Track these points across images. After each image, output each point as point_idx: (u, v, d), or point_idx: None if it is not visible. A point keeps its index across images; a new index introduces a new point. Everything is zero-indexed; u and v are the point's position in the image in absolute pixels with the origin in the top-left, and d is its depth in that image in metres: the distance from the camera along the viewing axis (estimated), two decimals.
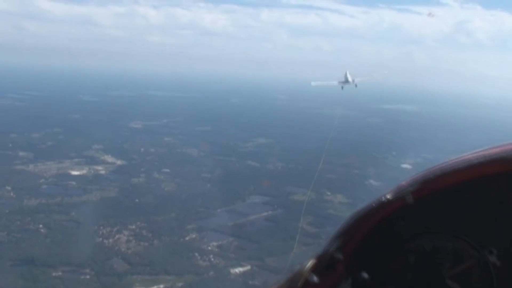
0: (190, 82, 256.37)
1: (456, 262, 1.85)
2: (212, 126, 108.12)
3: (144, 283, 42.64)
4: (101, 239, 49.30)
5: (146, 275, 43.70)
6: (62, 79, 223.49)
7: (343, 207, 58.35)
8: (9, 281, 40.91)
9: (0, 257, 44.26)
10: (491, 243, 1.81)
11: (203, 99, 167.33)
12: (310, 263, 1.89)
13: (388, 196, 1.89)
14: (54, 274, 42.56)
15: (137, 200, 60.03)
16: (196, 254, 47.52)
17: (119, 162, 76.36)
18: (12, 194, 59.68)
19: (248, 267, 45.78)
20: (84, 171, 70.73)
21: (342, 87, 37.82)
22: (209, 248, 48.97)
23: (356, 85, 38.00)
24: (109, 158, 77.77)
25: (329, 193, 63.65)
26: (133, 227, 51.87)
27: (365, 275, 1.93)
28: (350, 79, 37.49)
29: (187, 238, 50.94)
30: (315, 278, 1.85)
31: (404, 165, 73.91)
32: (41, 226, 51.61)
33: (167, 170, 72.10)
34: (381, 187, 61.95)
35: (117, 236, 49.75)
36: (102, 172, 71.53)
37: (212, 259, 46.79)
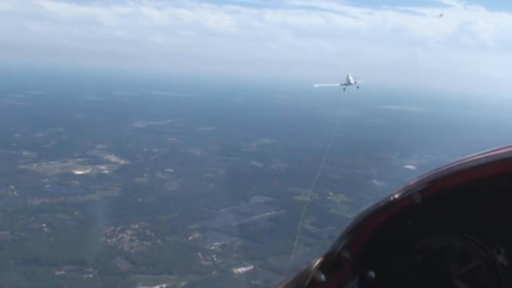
0: (194, 82, 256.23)
1: (464, 261, 1.84)
2: (216, 126, 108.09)
3: (147, 282, 42.75)
4: (104, 238, 49.42)
5: (149, 274, 43.80)
6: (66, 79, 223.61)
7: (346, 207, 58.32)
8: (13, 279, 41.10)
9: (4, 256, 44.47)
10: (499, 243, 1.80)
11: (206, 99, 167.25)
12: (317, 261, 1.89)
13: (396, 195, 1.89)
14: (57, 273, 42.70)
15: (140, 200, 60.15)
16: (199, 253, 47.59)
17: (122, 161, 76.50)
18: (16, 193, 59.90)
19: (251, 267, 45.78)
20: (88, 171, 70.90)
21: (344, 89, 38.10)
22: (212, 248, 49.02)
23: (358, 87, 38.27)
24: (112, 158, 77.90)
25: (331, 193, 63.59)
26: (136, 226, 51.98)
27: (372, 274, 1.93)
28: (352, 81, 37.77)
29: (190, 238, 51.01)
30: (322, 277, 1.85)
31: (408, 166, 73.72)
32: (44, 225, 51.76)
33: (171, 170, 72.16)
34: (384, 187, 61.94)
35: (120, 235, 49.86)
36: (106, 171, 71.69)
37: (215, 259, 46.83)
